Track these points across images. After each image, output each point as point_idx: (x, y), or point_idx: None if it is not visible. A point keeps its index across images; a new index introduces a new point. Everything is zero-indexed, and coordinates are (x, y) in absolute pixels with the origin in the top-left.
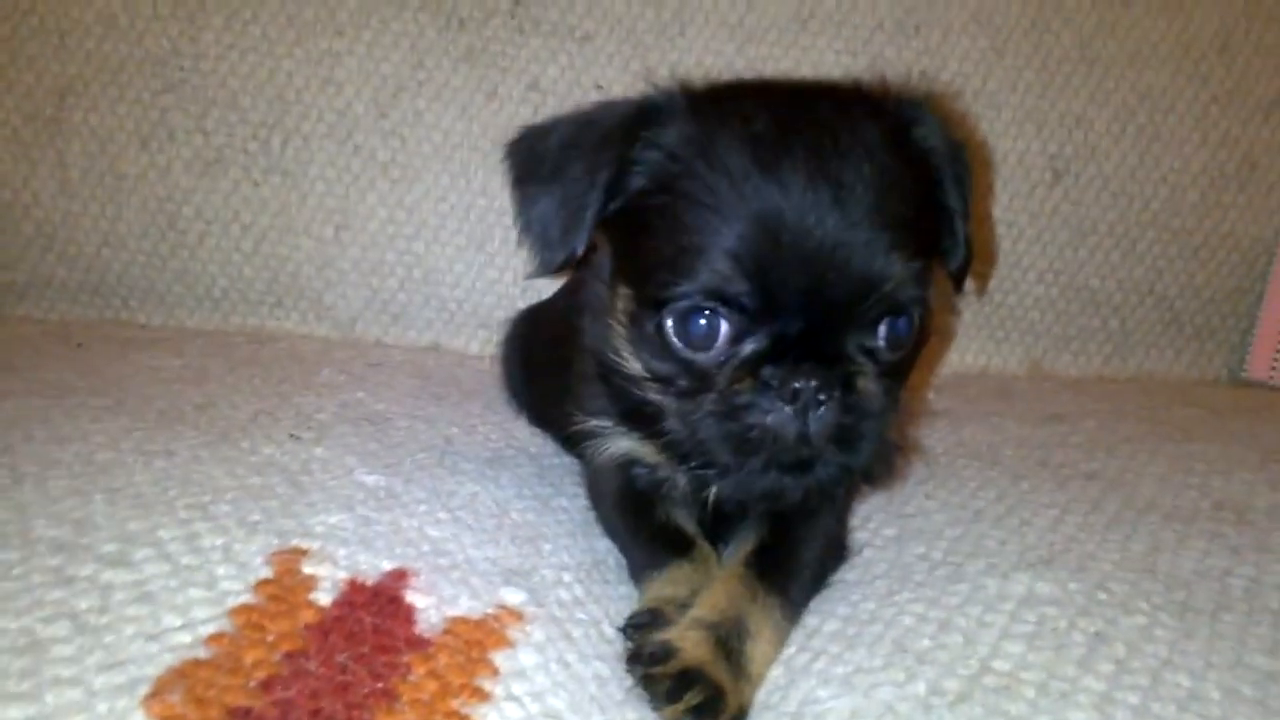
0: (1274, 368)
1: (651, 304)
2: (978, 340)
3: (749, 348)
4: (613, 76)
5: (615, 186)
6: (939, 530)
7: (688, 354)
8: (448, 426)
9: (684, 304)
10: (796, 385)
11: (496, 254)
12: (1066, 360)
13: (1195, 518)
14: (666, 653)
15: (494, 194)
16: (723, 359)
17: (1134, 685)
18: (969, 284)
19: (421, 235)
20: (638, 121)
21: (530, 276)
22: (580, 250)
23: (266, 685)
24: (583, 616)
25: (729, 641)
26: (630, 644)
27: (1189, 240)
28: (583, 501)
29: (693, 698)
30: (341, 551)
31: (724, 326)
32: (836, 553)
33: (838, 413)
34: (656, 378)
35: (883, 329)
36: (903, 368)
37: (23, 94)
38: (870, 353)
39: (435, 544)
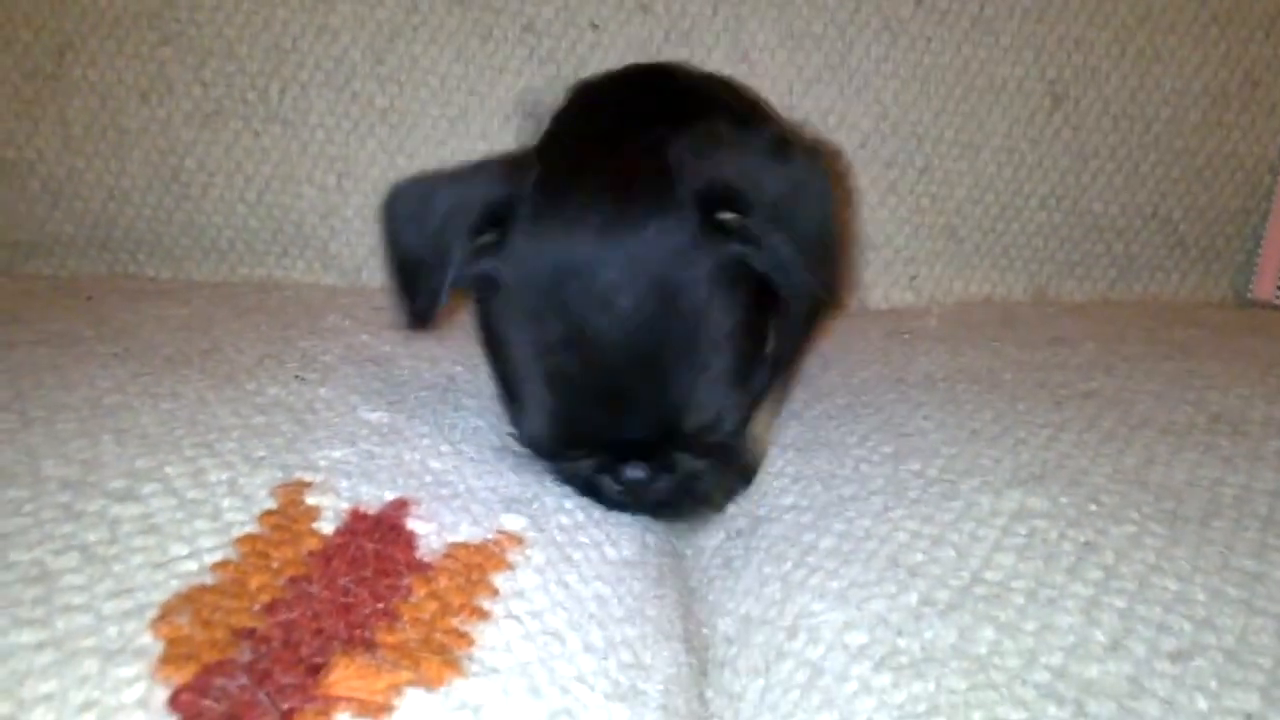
0: (1279, 287)
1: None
2: (980, 269)
3: (580, 462)
4: (607, 15)
5: (471, 259)
6: (935, 448)
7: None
8: (451, 365)
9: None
10: (627, 478)
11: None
12: (1071, 286)
13: (1190, 431)
14: None
15: (493, 137)
16: (559, 467)
17: (1121, 589)
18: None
19: None
20: (492, 214)
21: (400, 327)
22: (431, 318)
23: (270, 608)
24: (584, 540)
25: None
26: None
27: (1192, 161)
28: None
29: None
30: (344, 483)
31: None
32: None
33: (672, 483)
34: None
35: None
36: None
37: (21, 51)
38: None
39: (437, 475)
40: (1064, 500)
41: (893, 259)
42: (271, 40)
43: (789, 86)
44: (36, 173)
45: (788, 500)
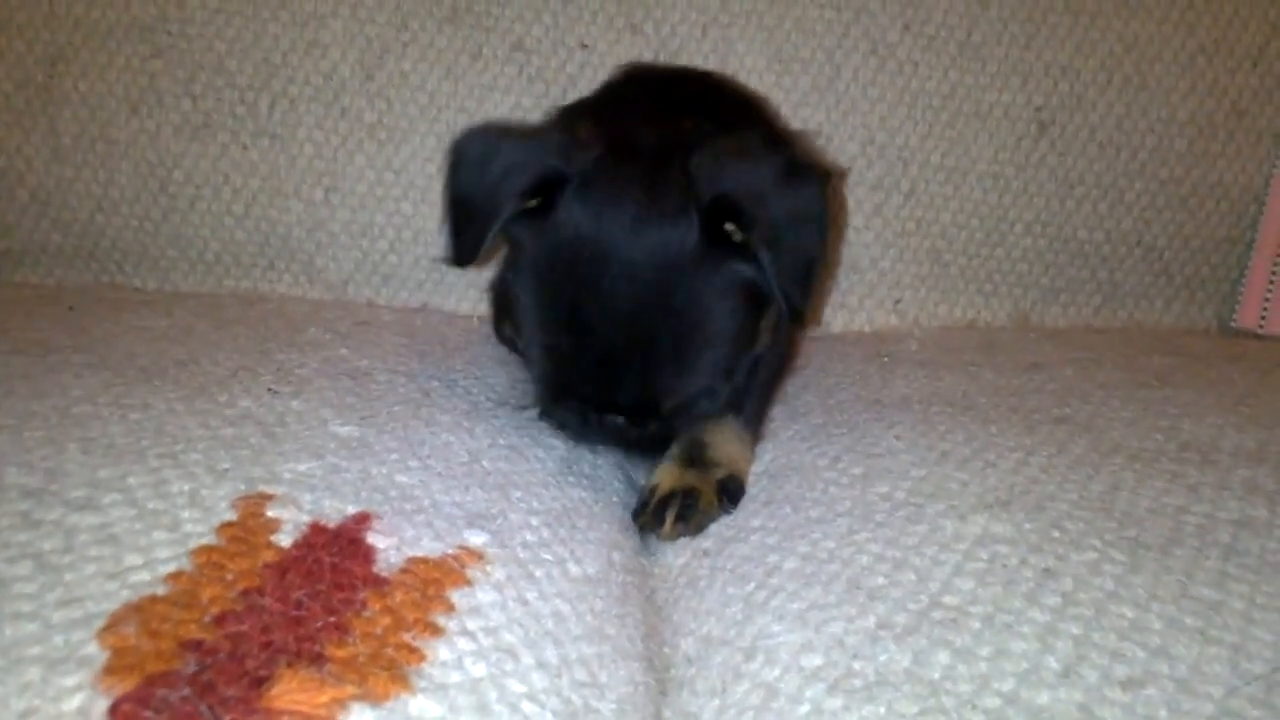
0: (1264, 316)
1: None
2: (965, 294)
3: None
4: (597, 34)
5: (512, 220)
6: (904, 470)
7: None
8: (428, 380)
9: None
10: (608, 423)
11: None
12: (1055, 312)
13: (1159, 458)
14: (650, 495)
15: None
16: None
17: (1078, 616)
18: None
19: (410, 196)
20: (541, 184)
21: (443, 260)
22: (469, 262)
23: (220, 620)
24: (547, 557)
25: (692, 454)
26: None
27: (1177, 190)
28: (560, 450)
29: (671, 512)
30: (307, 496)
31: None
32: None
33: (645, 434)
34: None
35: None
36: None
37: (14, 62)
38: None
39: (403, 490)
40: (1027, 526)
41: (877, 282)
42: (261, 55)
43: (776, 108)
44: (25, 182)
45: (755, 522)
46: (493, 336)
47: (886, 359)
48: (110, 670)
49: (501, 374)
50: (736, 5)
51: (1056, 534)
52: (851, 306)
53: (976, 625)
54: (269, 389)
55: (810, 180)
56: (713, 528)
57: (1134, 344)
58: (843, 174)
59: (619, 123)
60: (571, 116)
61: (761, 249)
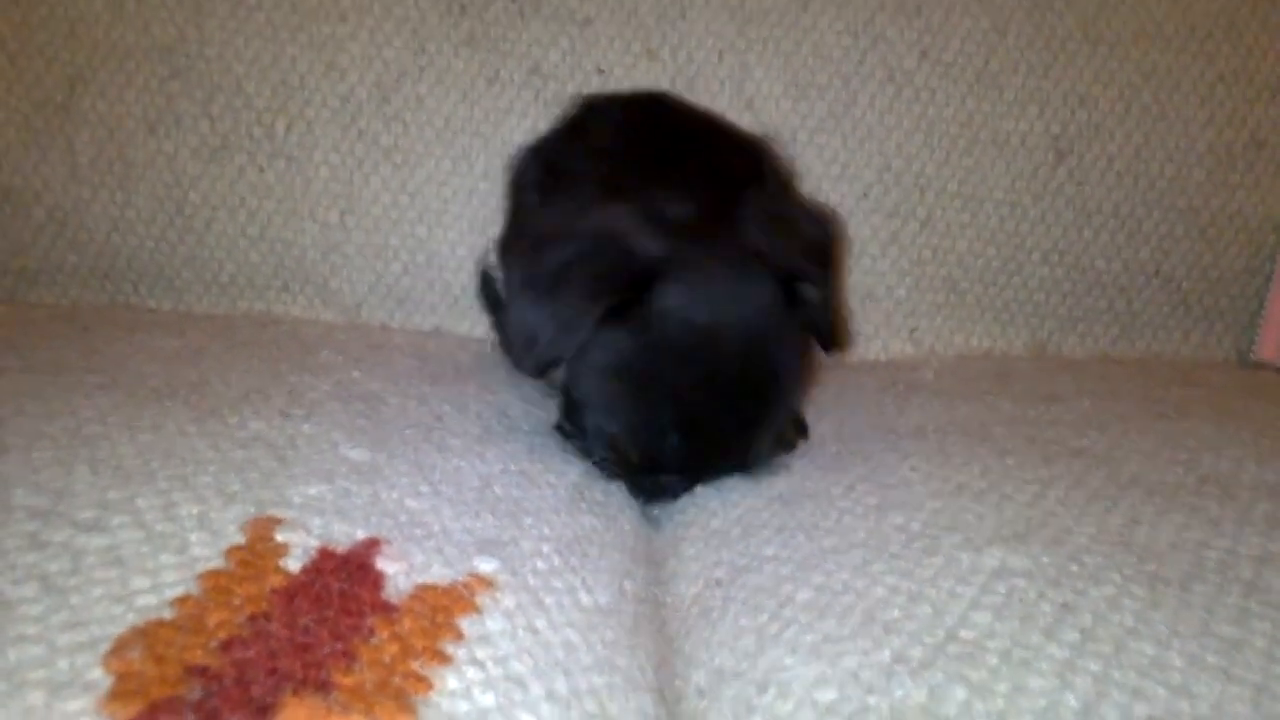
0: None
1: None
2: (981, 323)
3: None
4: (614, 60)
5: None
6: (920, 502)
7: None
8: (440, 404)
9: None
10: (665, 487)
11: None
12: (1072, 342)
13: (1178, 492)
14: None
15: (495, 178)
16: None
17: (1097, 653)
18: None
19: (425, 219)
20: (635, 281)
21: (515, 369)
22: (560, 363)
23: (227, 645)
24: (558, 585)
25: None
26: None
27: (1195, 220)
28: (571, 477)
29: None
30: (317, 521)
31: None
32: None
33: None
34: None
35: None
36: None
37: (33, 82)
38: None
39: (413, 515)
40: (1045, 559)
41: (893, 311)
42: (279, 77)
43: (792, 135)
44: (42, 201)
45: (769, 551)
46: (503, 361)
47: (902, 387)
48: (114, 695)
49: (514, 398)
50: (754, 31)
51: (1075, 568)
52: (867, 335)
53: (994, 661)
54: (280, 411)
55: (826, 222)
56: (725, 556)
57: (1152, 375)
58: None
59: (637, 178)
60: (543, 155)
61: (810, 269)
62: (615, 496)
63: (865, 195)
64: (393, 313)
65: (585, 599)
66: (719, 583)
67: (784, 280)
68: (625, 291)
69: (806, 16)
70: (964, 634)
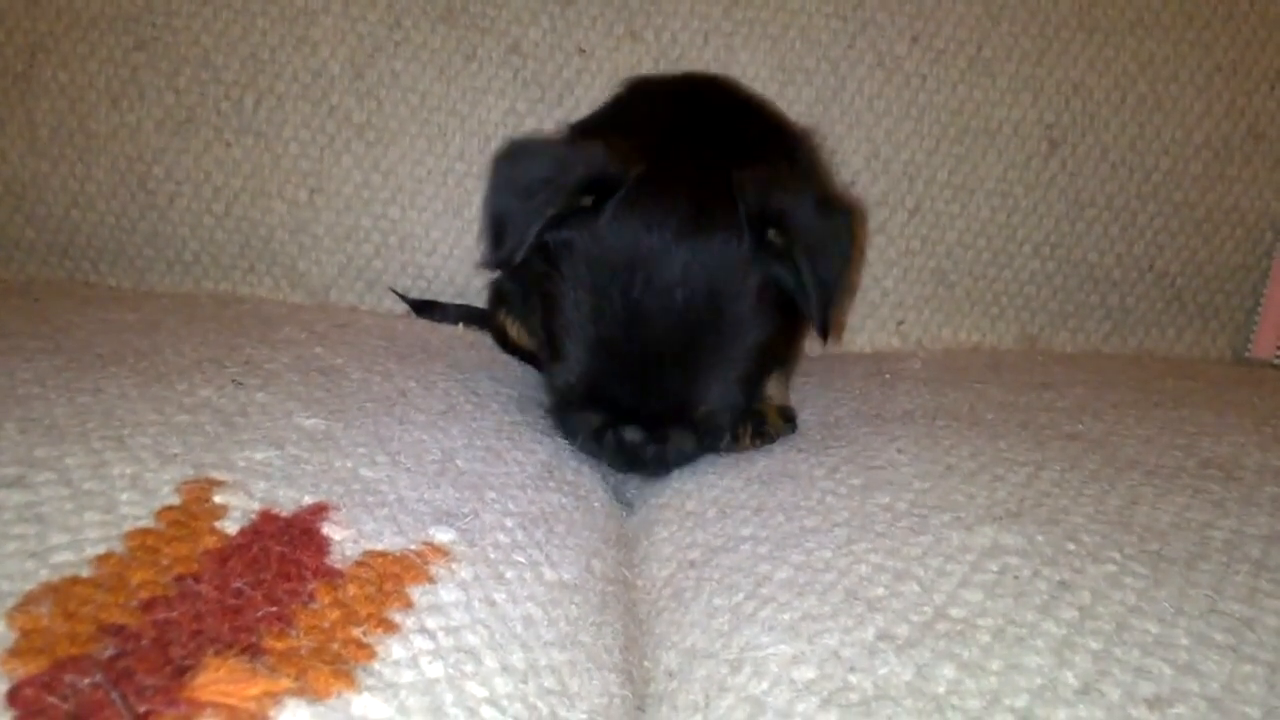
0: (1279, 347)
1: (547, 354)
2: (970, 317)
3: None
4: (596, 40)
5: (555, 221)
6: (907, 482)
7: (553, 400)
8: (405, 380)
9: (550, 382)
10: (623, 435)
11: (474, 220)
12: (1063, 338)
13: (1179, 475)
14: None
15: (471, 158)
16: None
17: (1097, 630)
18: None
19: (398, 200)
20: (590, 186)
21: (478, 266)
22: (516, 260)
23: (149, 605)
24: (520, 559)
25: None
26: None
27: (1191, 214)
28: (541, 455)
29: (746, 428)
30: (261, 485)
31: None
32: None
33: (657, 455)
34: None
35: (704, 427)
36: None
37: None
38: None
39: (367, 484)
40: (1040, 538)
41: (879, 302)
42: (249, 50)
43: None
44: None
45: (746, 531)
46: (478, 344)
47: (888, 376)
48: (15, 652)
49: (484, 376)
50: (740, 13)
51: (1072, 547)
52: (853, 326)
53: (986, 638)
54: (234, 380)
55: (841, 212)
56: (700, 537)
57: (1146, 368)
58: (865, 214)
59: (653, 142)
60: (589, 134)
61: (802, 257)
62: (586, 477)
63: (853, 182)
64: (363, 295)
65: (549, 574)
66: (693, 564)
67: (755, 221)
68: (577, 194)
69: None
70: (954, 612)
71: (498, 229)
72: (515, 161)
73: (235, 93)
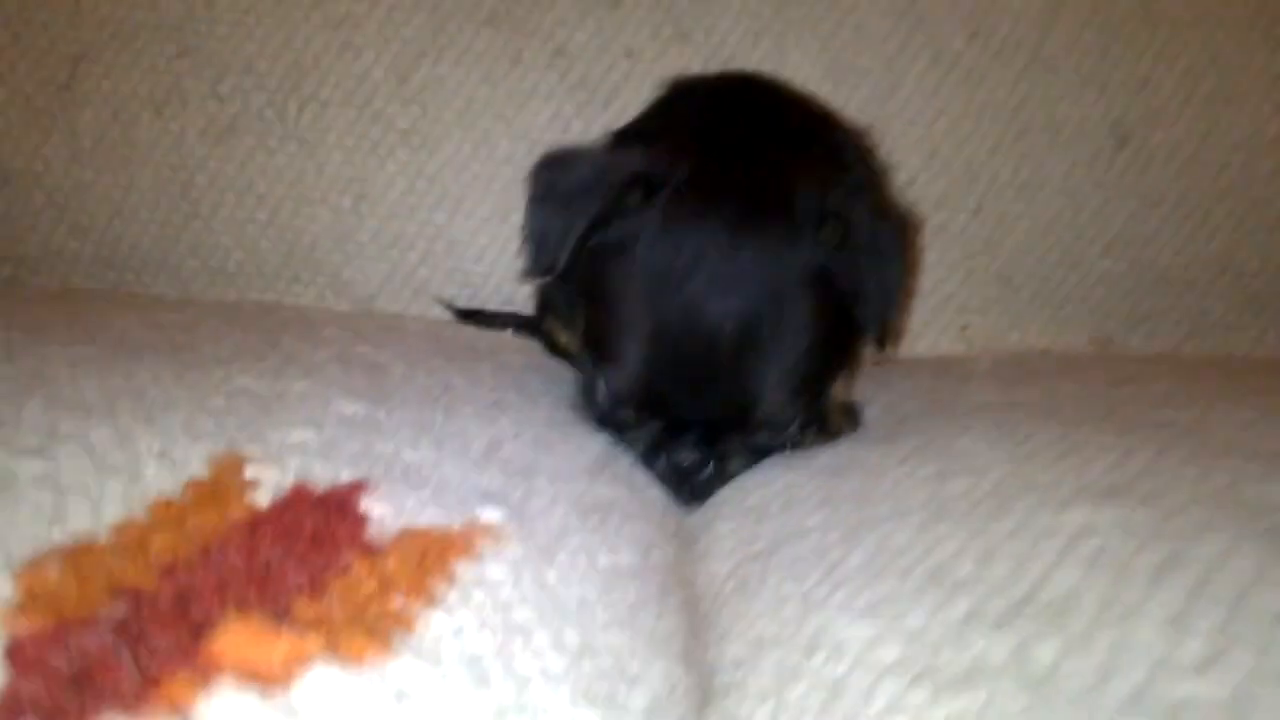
0: None
1: (591, 361)
2: (1038, 320)
3: (650, 424)
4: (643, 43)
5: (600, 224)
6: (985, 468)
7: (604, 407)
8: (451, 375)
9: (599, 389)
10: (678, 458)
11: (520, 225)
12: (1137, 342)
13: None
14: None
15: (518, 162)
16: (628, 425)
17: (1215, 600)
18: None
19: (443, 206)
20: (634, 184)
21: (521, 276)
22: (560, 266)
23: (169, 569)
24: (574, 542)
25: None
26: None
27: (1266, 211)
28: (594, 449)
29: (811, 430)
30: (296, 460)
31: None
32: None
33: (711, 477)
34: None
35: (763, 432)
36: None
37: (36, 60)
38: (750, 442)
39: (409, 465)
40: (1138, 517)
41: (942, 306)
42: (292, 56)
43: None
44: (43, 184)
45: (813, 521)
46: (527, 348)
47: (956, 376)
48: (20, 609)
49: (533, 374)
50: (791, 11)
51: (1173, 525)
52: (914, 332)
53: (1088, 615)
54: (273, 370)
55: (895, 219)
56: (764, 529)
57: (1229, 368)
58: (920, 221)
59: (699, 141)
60: (631, 139)
61: (860, 256)
62: (642, 472)
63: (911, 183)
64: (409, 304)
65: (604, 559)
66: (757, 556)
67: (813, 223)
68: (619, 195)
69: None
70: (1049, 590)
71: (538, 240)
72: (553, 171)
73: (279, 99)
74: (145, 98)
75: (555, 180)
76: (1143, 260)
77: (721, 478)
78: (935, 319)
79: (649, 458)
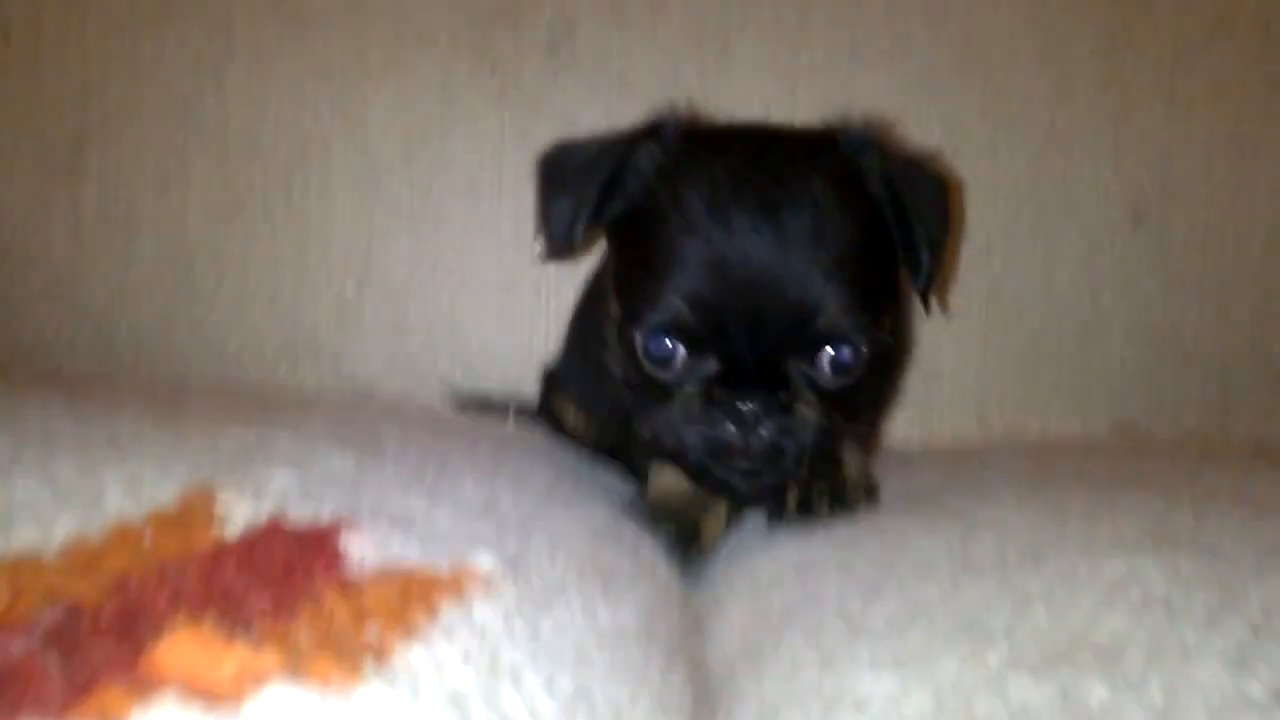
0: None
1: (629, 319)
2: (1058, 406)
3: (703, 369)
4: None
5: (614, 189)
6: (1014, 530)
7: (651, 369)
8: (448, 445)
9: (647, 328)
10: (739, 405)
11: (525, 309)
12: (1161, 428)
13: None
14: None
15: (523, 244)
16: (680, 379)
17: (1277, 638)
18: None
19: (448, 288)
20: (638, 135)
21: (541, 259)
22: (579, 239)
23: (120, 586)
24: (573, 596)
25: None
26: None
27: None
28: (598, 516)
29: (823, 496)
30: (273, 499)
31: (680, 350)
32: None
33: (774, 433)
34: (629, 385)
35: (825, 357)
36: (852, 397)
37: (38, 141)
38: (814, 380)
39: (400, 510)
40: (1185, 564)
41: (958, 390)
42: (300, 134)
43: None
44: (39, 268)
45: (830, 588)
46: (530, 432)
47: (978, 458)
48: None
49: (534, 450)
50: (801, 90)
51: (1223, 570)
52: (930, 417)
53: (1140, 658)
54: (259, 420)
55: (934, 172)
56: (777, 597)
57: (1264, 447)
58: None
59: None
60: None
61: (905, 190)
62: (647, 544)
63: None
64: (411, 388)
65: (605, 615)
66: (770, 626)
67: (855, 151)
68: (623, 157)
69: (859, 74)
70: (1096, 635)
71: (552, 222)
72: (558, 159)
73: (284, 177)
74: (149, 175)
75: (561, 165)
76: (1166, 342)
77: (785, 436)
78: (951, 404)
79: (703, 416)
